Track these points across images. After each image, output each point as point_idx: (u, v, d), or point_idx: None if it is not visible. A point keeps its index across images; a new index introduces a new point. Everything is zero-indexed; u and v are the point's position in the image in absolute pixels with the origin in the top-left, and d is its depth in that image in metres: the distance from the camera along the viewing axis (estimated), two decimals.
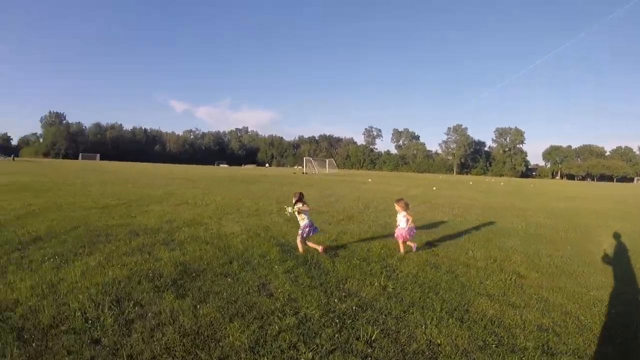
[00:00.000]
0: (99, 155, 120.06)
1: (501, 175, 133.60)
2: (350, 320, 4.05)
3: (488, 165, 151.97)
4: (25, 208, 11.05)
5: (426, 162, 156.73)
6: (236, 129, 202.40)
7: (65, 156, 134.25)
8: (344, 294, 4.87)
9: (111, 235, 7.84)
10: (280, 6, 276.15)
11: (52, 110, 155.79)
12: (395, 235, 7.29)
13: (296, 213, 6.65)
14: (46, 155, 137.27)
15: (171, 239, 7.66)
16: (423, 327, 3.98)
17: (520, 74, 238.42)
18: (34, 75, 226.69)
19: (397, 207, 7.24)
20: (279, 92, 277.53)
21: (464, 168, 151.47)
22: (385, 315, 4.24)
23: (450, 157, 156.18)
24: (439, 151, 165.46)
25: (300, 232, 6.70)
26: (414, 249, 7.31)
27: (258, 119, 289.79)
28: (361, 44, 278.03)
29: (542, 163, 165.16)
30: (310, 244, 6.82)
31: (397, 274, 5.89)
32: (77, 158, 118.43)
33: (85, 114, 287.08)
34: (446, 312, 4.41)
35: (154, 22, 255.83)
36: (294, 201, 6.72)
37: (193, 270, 5.58)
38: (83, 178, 25.25)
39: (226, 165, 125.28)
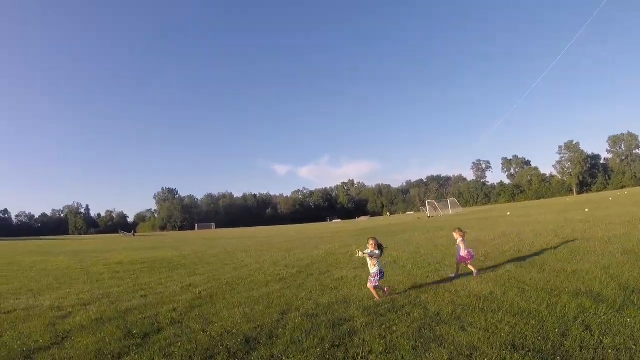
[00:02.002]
0: (214, 224, 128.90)
1: (623, 187, 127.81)
2: None
3: (607, 178, 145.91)
4: (190, 291, 9.87)
5: (543, 187, 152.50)
6: (342, 183, 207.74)
7: (181, 228, 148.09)
8: None
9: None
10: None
11: (165, 186, 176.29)
12: (457, 259, 9.19)
13: (368, 258, 7.37)
14: (163, 228, 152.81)
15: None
16: None
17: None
18: (143, 155, 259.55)
19: (455, 235, 9.30)
20: (374, 141, 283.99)
21: (583, 186, 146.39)
22: None
23: (566, 177, 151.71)
24: (554, 173, 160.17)
25: (371, 278, 7.38)
26: (475, 274, 8.81)
27: (358, 171, 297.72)
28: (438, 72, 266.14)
29: None
30: (373, 290, 7.44)
31: None
32: (193, 229, 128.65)
33: (194, 188, 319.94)
34: None
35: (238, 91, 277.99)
36: (371, 246, 7.41)
37: None
38: (216, 247, 24.95)
39: (339, 220, 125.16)
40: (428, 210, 62.77)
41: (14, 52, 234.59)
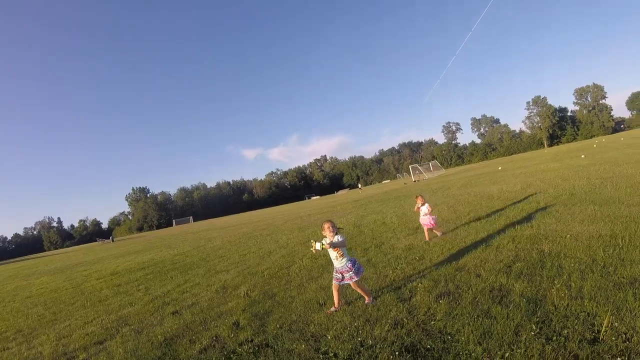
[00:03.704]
0: (191, 217, 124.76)
1: (592, 137, 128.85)
2: None
3: (576, 130, 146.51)
4: (233, 294, 7.55)
5: (514, 143, 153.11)
6: (315, 160, 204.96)
7: (159, 226, 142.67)
8: None
9: None
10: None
11: (135, 186, 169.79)
12: (422, 224, 9.29)
13: (329, 249, 5.32)
14: (140, 229, 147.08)
15: None
16: None
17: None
18: (108, 158, 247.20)
19: (418, 201, 9.32)
20: (341, 115, 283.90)
21: (553, 139, 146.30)
22: None
23: (536, 132, 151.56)
24: (524, 128, 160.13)
25: (337, 275, 5.45)
26: (440, 235, 9.22)
27: (329, 147, 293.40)
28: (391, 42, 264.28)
29: (627, 114, 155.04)
30: (358, 289, 5.51)
31: None
32: (170, 225, 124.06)
33: (165, 184, 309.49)
34: None
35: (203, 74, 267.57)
36: (329, 233, 5.44)
37: None
38: (213, 239, 22.38)
39: (317, 197, 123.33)
40: (412, 175, 61.30)
41: None
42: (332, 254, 5.43)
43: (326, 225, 5.47)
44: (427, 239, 9.05)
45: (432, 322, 4.45)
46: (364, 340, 4.29)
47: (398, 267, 7.13)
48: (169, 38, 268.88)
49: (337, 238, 5.34)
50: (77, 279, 15.51)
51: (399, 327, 4.50)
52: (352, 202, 34.37)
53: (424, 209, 9.12)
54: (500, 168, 40.22)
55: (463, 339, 3.91)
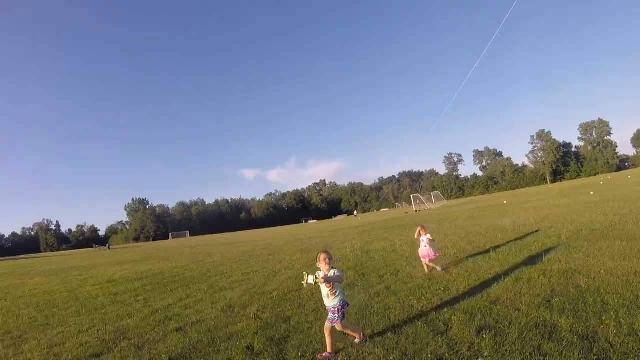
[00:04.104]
0: (188, 232, 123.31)
1: (596, 174, 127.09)
2: None
3: (580, 166, 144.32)
4: (241, 314, 7.02)
5: (517, 177, 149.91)
6: (314, 183, 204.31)
7: (155, 238, 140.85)
8: None
9: None
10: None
11: (135, 197, 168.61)
12: (421, 255, 8.75)
13: (322, 284, 4.58)
14: (136, 239, 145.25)
15: None
16: None
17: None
18: (111, 166, 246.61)
19: (420, 230, 8.85)
20: (341, 140, 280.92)
21: (556, 175, 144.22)
22: None
23: (539, 167, 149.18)
24: (527, 163, 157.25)
25: (330, 317, 4.65)
26: (440, 270, 8.45)
27: (327, 171, 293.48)
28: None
29: (632, 151, 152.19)
30: (347, 330, 4.82)
31: None
32: (167, 238, 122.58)
33: (164, 197, 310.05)
34: None
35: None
36: (325, 265, 4.69)
37: None
38: (212, 254, 21.67)
39: (314, 221, 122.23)
40: (414, 205, 60.69)
41: None
42: (325, 290, 4.70)
43: (322, 257, 4.72)
44: (426, 271, 8.65)
45: (480, 359, 3.97)
46: None
47: (423, 297, 6.57)
48: (171, 51, 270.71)
49: (334, 272, 4.64)
50: (72, 283, 14.81)
51: None
52: (353, 227, 33.73)
53: (425, 238, 8.72)
54: (505, 202, 39.66)
55: None
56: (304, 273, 4.54)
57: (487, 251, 10.41)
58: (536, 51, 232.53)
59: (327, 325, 4.63)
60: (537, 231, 12.91)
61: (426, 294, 6.78)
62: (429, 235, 8.73)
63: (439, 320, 5.25)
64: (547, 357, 3.84)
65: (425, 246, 8.66)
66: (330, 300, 4.66)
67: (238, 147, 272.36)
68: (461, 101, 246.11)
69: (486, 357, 4.01)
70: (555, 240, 10.50)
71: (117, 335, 6.29)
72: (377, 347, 4.56)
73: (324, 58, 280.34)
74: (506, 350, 4.08)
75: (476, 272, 8.05)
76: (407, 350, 4.40)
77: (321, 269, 4.71)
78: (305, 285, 4.49)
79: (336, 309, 4.61)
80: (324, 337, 4.70)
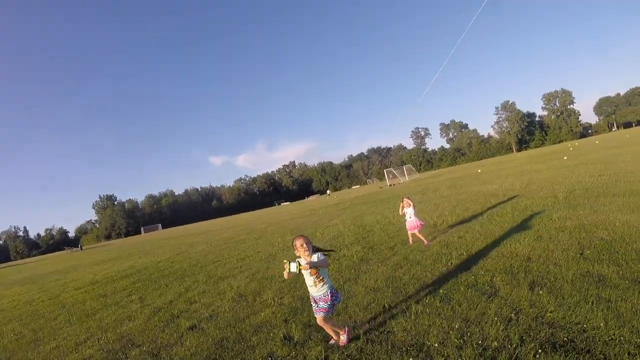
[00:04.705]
0: (160, 224, 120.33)
1: (560, 142, 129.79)
2: None
3: (544, 135, 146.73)
4: (274, 307, 6.39)
5: (483, 148, 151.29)
6: (283, 165, 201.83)
7: (127, 234, 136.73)
8: None
9: None
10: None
11: (102, 194, 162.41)
12: (408, 227, 8.51)
13: (305, 272, 3.94)
14: (108, 237, 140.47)
15: None
16: None
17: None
18: (73, 165, 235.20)
19: (405, 203, 8.63)
20: (309, 120, 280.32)
21: (522, 144, 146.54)
22: None
23: (505, 137, 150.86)
24: (492, 133, 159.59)
25: (317, 308, 4.03)
26: (426, 243, 8.10)
27: (297, 152, 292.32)
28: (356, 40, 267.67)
29: (594, 119, 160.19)
30: (327, 326, 4.09)
31: None
32: (139, 233, 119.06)
33: (132, 191, 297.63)
34: None
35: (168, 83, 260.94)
36: (304, 252, 3.98)
37: None
38: (194, 244, 20.79)
39: (287, 203, 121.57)
40: (388, 180, 60.89)
41: None
42: (309, 278, 4.03)
43: (298, 242, 4.01)
44: (410, 242, 8.57)
45: (549, 314, 3.75)
46: (484, 343, 3.30)
47: (450, 263, 6.26)
48: (136, 39, 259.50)
49: (317, 256, 4.01)
50: (52, 289, 13.68)
51: (514, 323, 3.69)
52: (332, 205, 33.39)
53: (410, 210, 8.49)
54: (479, 171, 39.96)
55: (602, 325, 3.39)
56: (285, 261, 3.85)
57: (488, 215, 10.26)
58: (499, 22, 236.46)
59: (319, 317, 4.01)
60: (527, 194, 12.85)
61: (451, 259, 6.45)
62: (412, 206, 8.53)
63: (483, 283, 4.96)
64: (612, 303, 3.74)
65: (410, 217, 8.43)
66: (318, 289, 4.02)
67: (205, 133, 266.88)
68: (428, 76, 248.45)
69: (552, 311, 3.79)
70: (553, 201, 10.44)
71: (123, 344, 5.55)
72: (433, 317, 4.18)
73: (291, 39, 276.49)
74: (570, 303, 3.90)
75: (490, 234, 7.84)
76: (468, 316, 4.09)
77: (301, 255, 4.05)
78: (286, 275, 3.81)
79: (327, 297, 4.00)
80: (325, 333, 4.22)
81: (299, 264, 3.81)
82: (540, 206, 9.97)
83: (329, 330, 4.14)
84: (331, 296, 4.02)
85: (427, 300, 4.77)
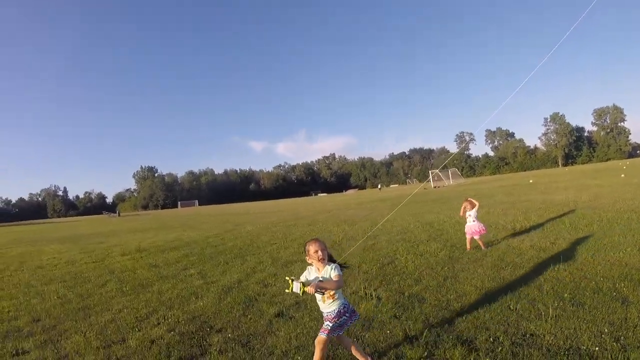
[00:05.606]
0: (197, 201, 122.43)
1: (607, 160, 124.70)
2: None
3: (592, 151, 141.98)
4: (369, 299, 5.30)
5: (528, 160, 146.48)
6: (323, 157, 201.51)
7: (164, 206, 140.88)
8: None
9: None
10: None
11: (143, 165, 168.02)
12: (468, 232, 7.99)
13: (313, 290, 2.95)
14: (145, 207, 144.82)
15: None
16: None
17: None
18: (120, 134, 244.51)
19: (467, 205, 8.27)
20: (350, 115, 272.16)
21: (568, 159, 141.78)
22: None
23: (552, 149, 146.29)
24: (539, 145, 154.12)
25: (324, 326, 3.17)
26: (484, 248, 7.68)
27: (334, 146, 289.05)
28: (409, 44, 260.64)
29: None
30: (355, 351, 3.33)
31: None
32: (175, 207, 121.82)
33: (173, 165, 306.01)
34: None
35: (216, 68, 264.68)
36: (318, 262, 3.17)
37: None
38: (240, 223, 20.14)
39: (324, 194, 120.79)
40: (432, 181, 59.05)
41: None
42: (319, 297, 3.22)
43: (312, 248, 3.18)
44: (468, 248, 7.94)
45: None
46: None
47: (557, 267, 5.84)
48: (182, 27, 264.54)
49: (332, 269, 3.12)
50: (95, 251, 13.26)
51: None
52: (379, 201, 32.09)
53: (473, 213, 8.13)
54: (531, 181, 37.78)
55: None
56: (287, 278, 3.08)
57: (570, 224, 9.75)
58: (553, 34, 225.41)
59: (318, 337, 3.16)
60: (603, 207, 12.14)
61: (558, 263, 6.04)
62: (475, 209, 8.18)
63: (607, 289, 4.61)
64: None
65: (474, 221, 8.00)
66: (327, 305, 3.21)
67: (247, 117, 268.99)
68: (476, 81, 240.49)
69: None
70: (636, 215, 9.93)
71: (198, 325, 4.61)
72: (574, 321, 3.84)
73: (337, 33, 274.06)
74: None
75: (583, 243, 7.43)
76: (613, 320, 3.76)
77: (312, 264, 3.25)
78: (290, 292, 3.07)
79: (335, 314, 3.16)
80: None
81: (303, 286, 2.96)
82: (624, 219, 9.42)
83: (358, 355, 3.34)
84: (337, 315, 3.16)
85: (555, 304, 4.28)
